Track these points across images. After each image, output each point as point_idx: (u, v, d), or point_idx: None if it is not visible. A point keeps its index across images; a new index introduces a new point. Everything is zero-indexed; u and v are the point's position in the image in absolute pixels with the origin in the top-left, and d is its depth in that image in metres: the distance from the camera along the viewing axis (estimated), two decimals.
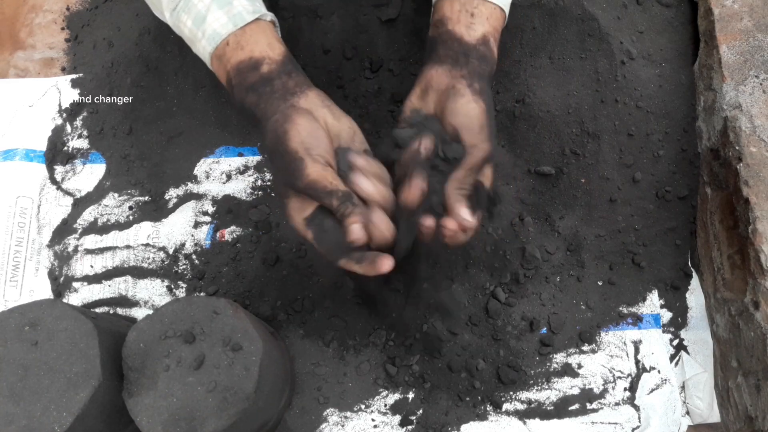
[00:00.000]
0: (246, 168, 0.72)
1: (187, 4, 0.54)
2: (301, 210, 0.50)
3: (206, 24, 0.53)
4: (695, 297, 0.66)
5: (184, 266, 0.68)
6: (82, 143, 0.74)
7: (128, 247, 0.70)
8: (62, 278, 0.69)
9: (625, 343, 0.64)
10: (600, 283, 0.67)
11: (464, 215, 0.50)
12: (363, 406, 0.63)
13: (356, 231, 0.47)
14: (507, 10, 0.57)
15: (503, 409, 0.62)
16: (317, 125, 0.50)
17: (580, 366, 0.64)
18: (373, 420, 0.62)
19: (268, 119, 0.51)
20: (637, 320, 0.65)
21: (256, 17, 0.53)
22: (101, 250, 0.70)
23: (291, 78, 0.53)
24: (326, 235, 0.49)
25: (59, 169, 0.73)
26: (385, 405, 0.63)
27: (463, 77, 0.52)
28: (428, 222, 0.50)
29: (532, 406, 0.62)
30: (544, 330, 0.65)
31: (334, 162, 0.51)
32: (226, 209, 0.70)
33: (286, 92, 0.52)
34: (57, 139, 0.74)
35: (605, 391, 0.63)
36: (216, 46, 0.53)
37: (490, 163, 0.53)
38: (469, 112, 0.51)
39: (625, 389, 0.63)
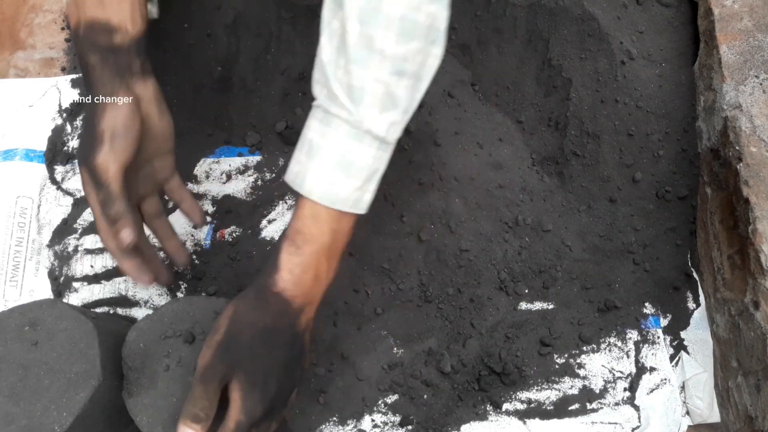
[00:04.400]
0: (246, 168, 0.72)
1: None
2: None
3: None
4: (695, 297, 0.66)
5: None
6: None
7: None
8: (62, 278, 0.69)
9: (625, 343, 0.64)
10: (600, 282, 0.67)
11: None
12: (363, 406, 0.63)
13: (128, 235, 0.50)
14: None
15: (503, 409, 0.62)
16: (136, 118, 0.51)
17: (580, 366, 0.64)
18: (373, 420, 0.62)
19: (97, 88, 0.50)
20: (637, 320, 0.65)
21: None
22: (101, 250, 0.69)
23: (138, 59, 0.52)
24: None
25: (59, 169, 0.73)
26: (385, 405, 0.63)
27: None
28: None
29: (532, 406, 0.62)
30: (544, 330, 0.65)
31: (130, 159, 0.51)
32: (226, 209, 0.70)
33: (127, 70, 0.51)
34: (57, 139, 0.74)
35: (605, 391, 0.63)
36: None
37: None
38: None
39: (625, 389, 0.63)
